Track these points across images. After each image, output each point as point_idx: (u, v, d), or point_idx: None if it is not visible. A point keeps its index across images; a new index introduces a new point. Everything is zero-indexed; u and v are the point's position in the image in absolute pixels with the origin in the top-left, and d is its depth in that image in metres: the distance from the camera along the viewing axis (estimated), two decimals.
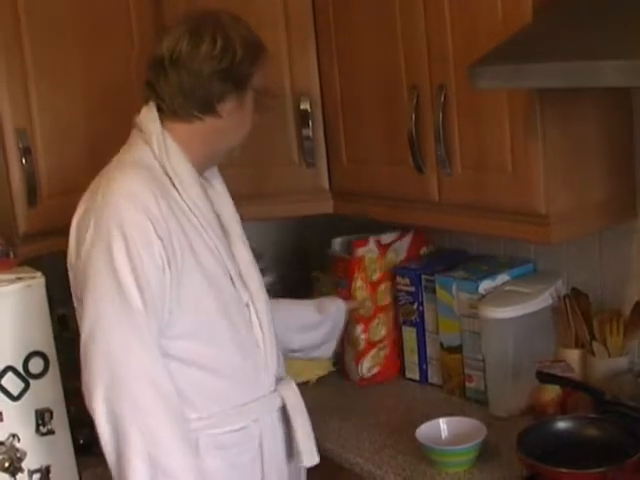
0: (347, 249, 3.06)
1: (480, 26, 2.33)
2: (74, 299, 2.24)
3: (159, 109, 2.27)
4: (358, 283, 2.99)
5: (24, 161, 2.69)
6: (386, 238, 3.06)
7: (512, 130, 2.33)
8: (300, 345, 2.67)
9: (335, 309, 2.78)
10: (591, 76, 1.84)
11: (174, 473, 2.06)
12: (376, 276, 3.02)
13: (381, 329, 3.04)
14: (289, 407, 2.36)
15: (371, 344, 3.03)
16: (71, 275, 2.22)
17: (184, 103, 2.24)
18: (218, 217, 2.33)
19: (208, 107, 2.25)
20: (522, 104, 2.29)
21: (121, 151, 2.30)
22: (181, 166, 2.23)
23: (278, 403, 2.35)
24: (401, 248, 3.08)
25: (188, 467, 2.09)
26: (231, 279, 2.28)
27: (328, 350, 2.78)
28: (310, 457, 2.40)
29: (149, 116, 2.26)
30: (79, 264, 2.14)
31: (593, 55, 1.84)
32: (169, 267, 2.11)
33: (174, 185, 2.21)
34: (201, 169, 2.32)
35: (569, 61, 1.88)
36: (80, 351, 2.09)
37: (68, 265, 2.23)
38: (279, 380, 2.38)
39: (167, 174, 2.21)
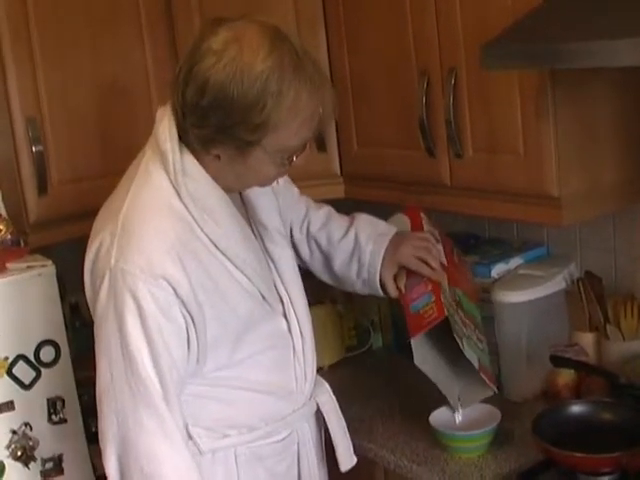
0: None
1: (490, 8, 2.31)
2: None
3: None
4: None
5: (34, 149, 2.68)
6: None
7: (523, 112, 2.31)
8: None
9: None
10: (605, 56, 1.81)
11: None
12: None
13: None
14: (325, 412, 2.32)
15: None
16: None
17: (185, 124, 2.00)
18: (252, 215, 2.22)
19: (201, 144, 2.00)
20: (533, 85, 2.27)
21: (140, 170, 2.05)
22: (203, 193, 2.03)
23: (314, 408, 2.31)
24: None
25: None
26: (264, 298, 2.14)
27: None
28: (349, 459, 2.37)
29: (167, 130, 2.02)
30: (95, 315, 2.00)
31: (606, 34, 1.82)
32: (193, 325, 1.99)
33: (195, 221, 2.01)
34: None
35: (582, 41, 1.86)
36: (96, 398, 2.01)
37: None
38: (315, 385, 2.32)
39: (186, 207, 2.01)
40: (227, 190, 2.08)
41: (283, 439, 2.22)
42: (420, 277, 2.39)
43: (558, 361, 2.53)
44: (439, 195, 2.62)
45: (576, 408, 2.37)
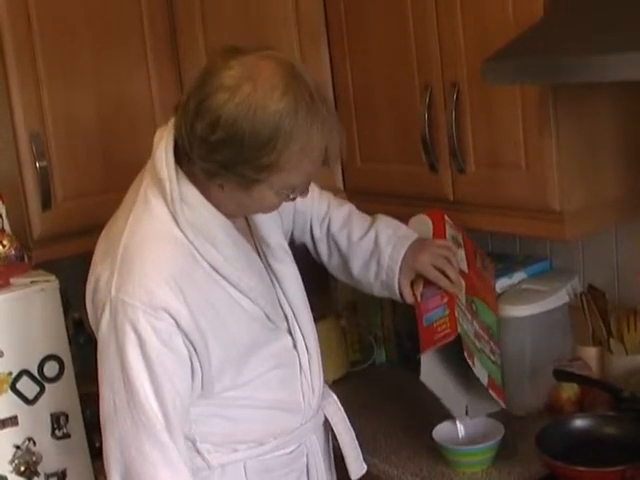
0: None
1: (491, 23, 2.32)
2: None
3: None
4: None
5: (38, 165, 2.69)
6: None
7: (525, 127, 2.32)
8: None
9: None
10: (607, 70, 1.82)
11: None
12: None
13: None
14: (334, 424, 2.32)
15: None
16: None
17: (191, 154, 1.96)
18: (255, 232, 2.20)
19: (206, 176, 1.97)
20: (535, 100, 2.27)
21: (140, 196, 2.02)
22: (203, 220, 2.00)
23: (322, 419, 2.31)
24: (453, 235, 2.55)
25: None
26: (269, 318, 2.13)
27: None
28: (359, 467, 2.38)
29: (163, 157, 1.99)
30: (98, 342, 1.99)
31: (607, 48, 1.83)
32: (195, 352, 1.97)
33: (196, 249, 1.99)
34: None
35: (583, 55, 1.87)
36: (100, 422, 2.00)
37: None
38: (322, 397, 2.31)
39: (186, 237, 1.99)
40: (229, 216, 2.06)
41: (292, 452, 2.21)
42: (437, 287, 2.35)
43: (561, 375, 2.53)
44: (442, 210, 2.62)
45: (579, 422, 2.37)
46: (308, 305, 2.28)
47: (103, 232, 2.10)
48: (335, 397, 2.36)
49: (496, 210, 2.46)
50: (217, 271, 2.02)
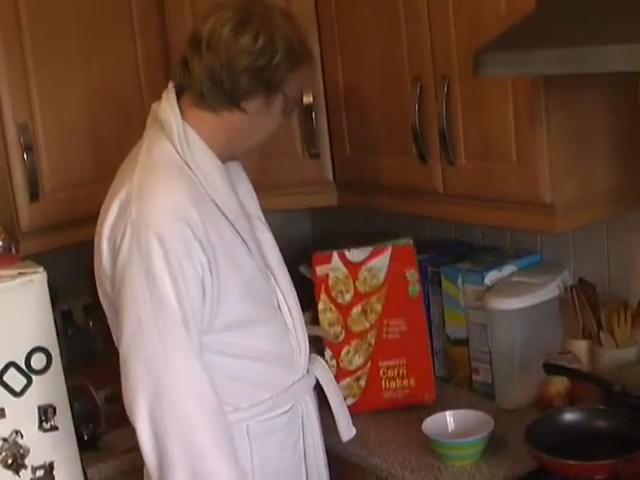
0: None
1: (483, 15, 2.31)
2: (107, 308, 2.19)
3: (185, 93, 2.20)
4: (322, 305, 2.79)
5: (26, 156, 2.68)
6: (355, 255, 2.79)
7: (516, 119, 2.31)
8: None
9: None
10: (597, 61, 1.81)
11: None
12: (347, 298, 2.81)
13: (356, 358, 2.78)
14: (323, 384, 2.40)
15: (343, 372, 2.78)
16: (105, 286, 2.15)
17: (212, 89, 2.16)
18: (241, 203, 2.31)
19: (233, 101, 2.17)
20: (527, 92, 2.26)
21: (143, 148, 2.19)
22: (205, 161, 2.17)
23: (313, 382, 2.37)
24: (378, 268, 2.78)
25: None
26: (259, 270, 2.25)
27: None
28: (348, 429, 2.44)
29: (168, 105, 2.19)
30: (116, 275, 2.07)
31: (599, 40, 1.82)
32: (209, 270, 2.06)
33: (200, 183, 2.14)
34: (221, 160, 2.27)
35: (575, 46, 1.86)
36: (120, 364, 2.05)
37: (98, 275, 2.16)
38: (310, 360, 2.38)
39: (192, 171, 2.14)
40: (223, 161, 2.24)
41: (288, 410, 2.27)
42: None
43: (551, 369, 2.53)
44: (432, 203, 2.62)
45: (569, 416, 2.37)
46: (286, 270, 2.37)
47: (109, 191, 2.19)
48: (322, 361, 2.44)
49: (486, 203, 2.45)
50: (218, 206, 2.16)
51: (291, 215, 3.47)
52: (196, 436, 2.00)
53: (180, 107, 2.18)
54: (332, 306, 2.78)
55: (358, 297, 2.79)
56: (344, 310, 2.77)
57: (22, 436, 2.43)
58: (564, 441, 2.28)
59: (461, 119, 2.45)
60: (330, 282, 2.77)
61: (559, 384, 2.55)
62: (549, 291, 2.68)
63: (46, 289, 2.47)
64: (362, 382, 2.73)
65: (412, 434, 2.56)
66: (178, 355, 2.01)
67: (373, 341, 2.79)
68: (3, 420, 2.41)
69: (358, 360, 2.78)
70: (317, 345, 2.59)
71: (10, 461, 2.41)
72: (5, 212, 2.73)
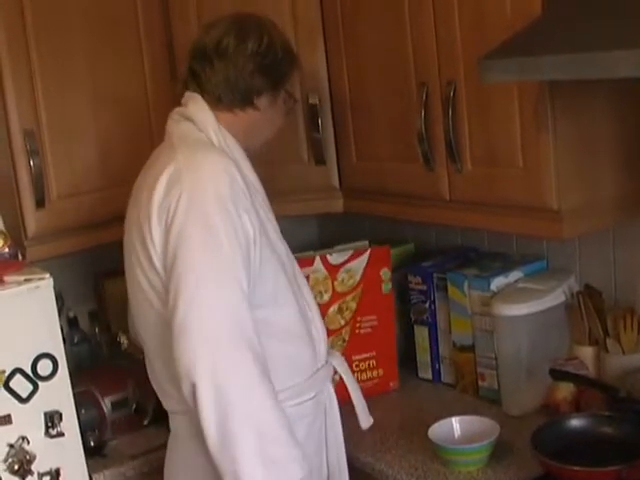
0: None
1: (489, 21, 2.31)
2: (147, 288, 2.24)
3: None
4: None
5: (32, 162, 2.68)
6: (336, 258, 2.92)
7: (522, 125, 2.31)
8: None
9: None
10: (604, 67, 1.81)
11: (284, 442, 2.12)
12: (325, 298, 2.91)
13: None
14: (342, 374, 2.49)
15: None
16: (149, 252, 2.19)
17: (228, 92, 2.35)
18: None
19: (247, 99, 2.36)
20: (532, 98, 2.26)
21: (174, 138, 2.31)
22: (239, 151, 2.34)
23: (332, 371, 2.45)
24: (356, 269, 2.93)
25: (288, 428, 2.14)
26: (288, 254, 2.37)
27: None
28: (366, 418, 2.52)
29: (198, 106, 2.35)
30: (170, 239, 2.13)
31: (605, 46, 1.81)
32: (253, 240, 2.18)
33: (238, 164, 2.27)
34: None
35: (581, 52, 1.85)
36: (174, 328, 2.08)
37: (143, 246, 2.21)
38: (328, 351, 2.47)
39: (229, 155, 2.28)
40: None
41: (314, 396, 2.35)
42: None
43: (558, 375, 2.52)
44: (438, 209, 2.62)
45: (575, 422, 2.37)
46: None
47: (138, 179, 2.32)
48: (337, 353, 2.56)
49: (493, 209, 2.45)
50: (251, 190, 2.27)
51: (297, 221, 3.47)
52: (255, 388, 2.08)
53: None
54: None
55: (336, 297, 2.93)
56: (322, 309, 2.73)
57: (28, 442, 2.43)
58: (570, 447, 2.28)
59: (467, 125, 2.45)
60: (310, 283, 2.82)
61: (565, 390, 2.54)
62: (555, 297, 2.68)
63: (52, 295, 2.47)
64: (336, 376, 2.72)
65: (418, 440, 2.56)
66: (237, 301, 2.10)
67: (347, 337, 2.95)
68: (10, 426, 2.41)
69: None
70: None
71: (17, 467, 2.41)
72: (11, 218, 2.73)
